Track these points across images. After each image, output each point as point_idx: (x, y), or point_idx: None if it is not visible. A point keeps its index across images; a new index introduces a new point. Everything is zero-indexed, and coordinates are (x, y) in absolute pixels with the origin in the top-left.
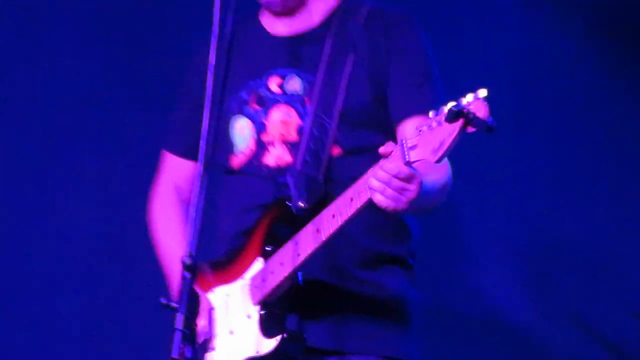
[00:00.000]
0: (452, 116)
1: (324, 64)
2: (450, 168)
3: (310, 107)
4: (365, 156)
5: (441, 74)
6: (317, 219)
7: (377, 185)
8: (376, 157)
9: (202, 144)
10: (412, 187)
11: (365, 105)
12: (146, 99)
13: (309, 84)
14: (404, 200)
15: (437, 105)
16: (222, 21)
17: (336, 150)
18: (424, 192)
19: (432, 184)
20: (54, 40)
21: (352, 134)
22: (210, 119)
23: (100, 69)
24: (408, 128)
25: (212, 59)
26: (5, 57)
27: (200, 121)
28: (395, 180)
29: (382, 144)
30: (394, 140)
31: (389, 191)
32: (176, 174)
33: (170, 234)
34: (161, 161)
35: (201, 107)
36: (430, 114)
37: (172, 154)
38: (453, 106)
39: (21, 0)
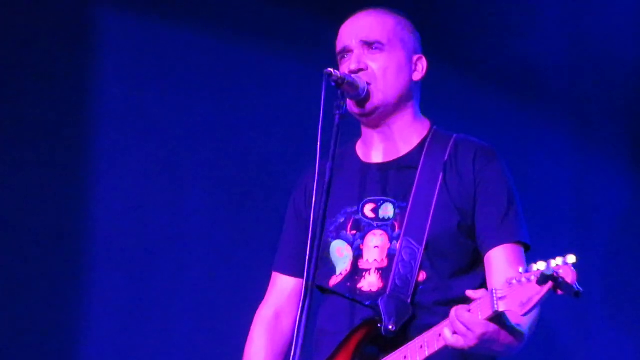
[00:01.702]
0: (543, 279)
1: (414, 190)
2: (537, 312)
3: (400, 232)
4: (449, 281)
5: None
6: (405, 347)
7: (461, 330)
8: (460, 284)
9: (306, 269)
10: (485, 340)
11: (451, 232)
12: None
13: (399, 210)
14: (483, 348)
15: (520, 233)
16: (323, 163)
17: (422, 275)
18: (508, 343)
19: (521, 329)
20: None
21: (437, 259)
22: (312, 251)
23: None
24: (495, 259)
25: (314, 199)
26: None
27: (303, 245)
28: (467, 331)
29: (465, 270)
30: (478, 267)
31: (469, 340)
32: (283, 294)
33: (259, 356)
34: (271, 283)
35: (303, 232)
36: (521, 269)
37: (282, 274)
38: (544, 270)
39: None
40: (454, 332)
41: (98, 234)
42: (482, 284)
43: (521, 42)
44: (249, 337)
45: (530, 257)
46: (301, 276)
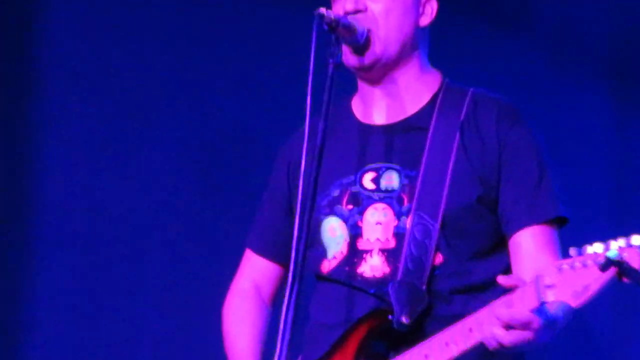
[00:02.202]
0: (606, 264)
1: (425, 156)
2: None
3: (410, 206)
4: (469, 265)
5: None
6: (426, 345)
7: (500, 333)
8: (481, 268)
9: (293, 252)
10: (539, 335)
11: (471, 206)
12: None
13: (407, 179)
14: (526, 345)
15: (554, 208)
16: (313, 121)
17: (438, 258)
18: (543, 340)
19: (560, 321)
20: None
21: (455, 238)
22: (301, 227)
23: None
24: (523, 243)
25: (303, 164)
26: None
27: (286, 223)
28: (523, 329)
29: (487, 252)
30: (502, 249)
31: (514, 337)
32: (258, 274)
33: (241, 334)
34: (244, 259)
35: (289, 208)
36: (572, 251)
37: (256, 254)
38: (609, 254)
39: None
40: (508, 327)
41: (46, 217)
42: (508, 267)
43: None
44: (225, 310)
45: (563, 234)
46: (278, 261)
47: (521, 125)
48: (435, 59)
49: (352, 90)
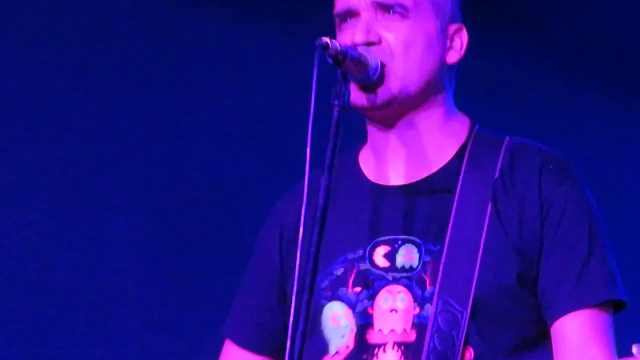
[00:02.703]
0: None
1: (451, 226)
2: None
3: (433, 289)
4: None
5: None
6: None
7: None
8: None
9: (288, 344)
10: None
11: (509, 288)
12: None
13: (430, 256)
14: None
15: (607, 289)
16: (314, 177)
17: (469, 353)
18: None
19: None
20: None
21: (490, 328)
22: (298, 309)
23: None
24: (567, 333)
25: (301, 231)
26: None
27: (276, 307)
28: None
29: (531, 344)
30: (546, 340)
31: None
32: None
33: None
34: (223, 353)
35: (279, 288)
36: (635, 349)
37: (238, 346)
38: None
39: None
40: None
41: None
42: None
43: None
44: None
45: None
46: (267, 354)
47: (571, 183)
48: (460, 96)
49: (360, 139)
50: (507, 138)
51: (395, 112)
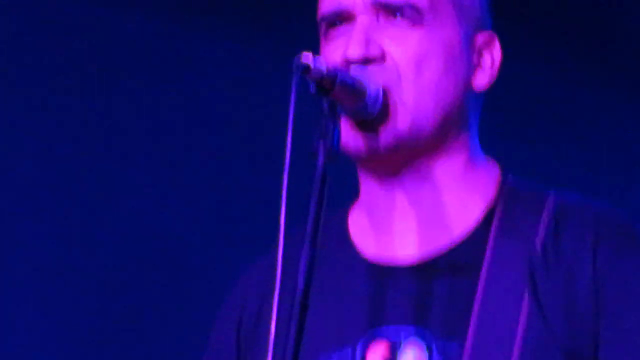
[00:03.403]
0: None
1: (475, 317)
2: None
3: None
4: None
5: None
6: None
7: None
8: None
9: None
10: None
11: None
12: None
13: (444, 357)
14: None
15: None
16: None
17: None
18: None
19: None
20: None
21: None
22: None
23: None
24: None
25: (273, 324)
26: None
27: None
28: None
29: None
30: None
31: None
32: None
33: None
34: None
35: None
36: None
37: None
38: None
39: None
40: None
41: None
42: None
43: None
44: None
45: None
46: None
47: (636, 253)
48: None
49: (349, 195)
50: (552, 195)
51: (402, 160)
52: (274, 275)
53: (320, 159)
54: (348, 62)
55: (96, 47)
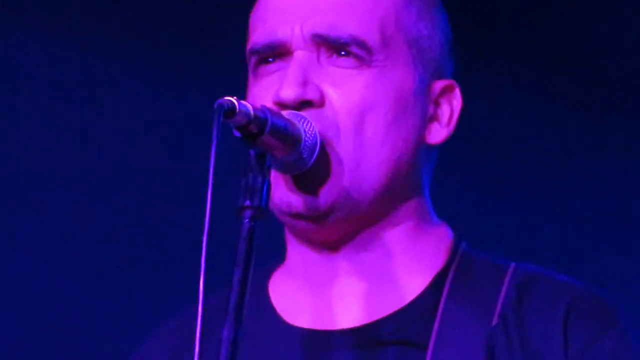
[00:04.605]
0: None
1: None
2: None
3: None
4: None
5: None
6: None
7: None
8: None
9: None
10: None
11: None
12: None
13: None
14: None
15: None
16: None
17: None
18: None
19: None
20: None
21: None
22: None
23: None
24: None
25: None
26: None
27: None
28: None
29: None
30: None
31: None
32: None
33: None
34: None
35: None
36: None
37: None
38: None
39: None
40: None
41: None
42: None
43: None
44: None
45: None
46: None
47: (615, 335)
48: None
49: (273, 254)
50: (513, 265)
51: (342, 226)
52: (190, 340)
53: (246, 221)
54: (280, 105)
55: None
